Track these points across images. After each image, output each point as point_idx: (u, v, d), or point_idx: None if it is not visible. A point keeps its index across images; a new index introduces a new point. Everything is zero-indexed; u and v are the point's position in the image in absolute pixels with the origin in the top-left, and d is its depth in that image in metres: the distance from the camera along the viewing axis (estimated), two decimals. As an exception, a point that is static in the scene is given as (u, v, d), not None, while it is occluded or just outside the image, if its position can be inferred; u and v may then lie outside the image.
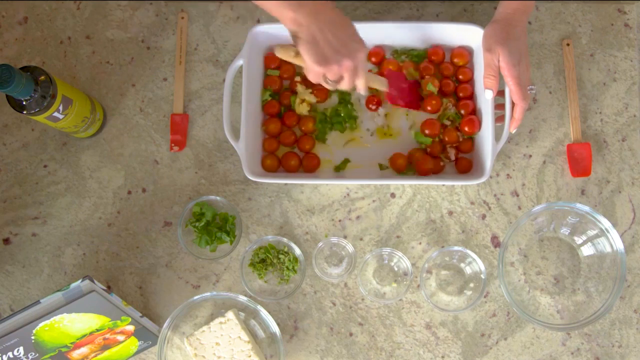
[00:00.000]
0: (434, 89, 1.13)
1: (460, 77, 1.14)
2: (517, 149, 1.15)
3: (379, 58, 1.16)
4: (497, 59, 1.01)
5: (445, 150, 1.12)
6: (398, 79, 1.12)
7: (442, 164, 1.12)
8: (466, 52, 1.14)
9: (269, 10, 0.93)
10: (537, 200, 1.14)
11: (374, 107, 1.14)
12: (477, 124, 1.11)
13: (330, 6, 0.92)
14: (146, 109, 1.18)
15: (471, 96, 1.14)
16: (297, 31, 0.91)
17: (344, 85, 0.98)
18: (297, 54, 0.97)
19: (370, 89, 1.12)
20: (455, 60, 1.14)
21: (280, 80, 1.16)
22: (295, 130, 1.15)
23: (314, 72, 0.94)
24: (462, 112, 1.12)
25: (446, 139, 1.12)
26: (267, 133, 1.15)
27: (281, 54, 1.00)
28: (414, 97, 1.13)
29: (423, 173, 1.11)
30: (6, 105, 1.17)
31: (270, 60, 1.16)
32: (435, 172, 1.12)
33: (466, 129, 1.11)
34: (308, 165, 1.13)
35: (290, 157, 1.13)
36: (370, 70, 1.14)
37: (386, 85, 1.10)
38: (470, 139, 1.12)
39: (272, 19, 1.18)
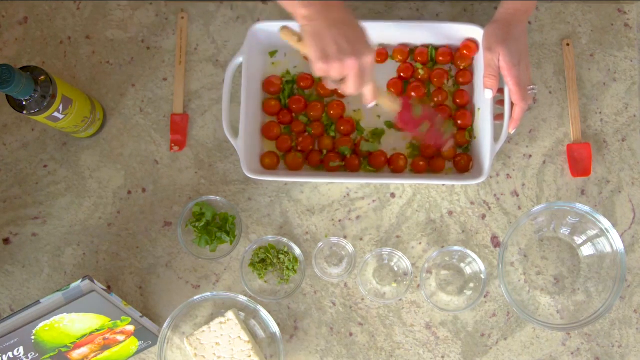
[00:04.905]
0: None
1: (460, 79, 1.14)
2: (517, 149, 1.15)
3: (382, 58, 1.16)
4: (497, 58, 1.01)
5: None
6: (408, 106, 1.06)
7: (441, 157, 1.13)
8: (473, 45, 1.12)
9: (284, 6, 0.94)
10: (537, 200, 1.14)
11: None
12: (469, 116, 1.12)
13: (340, 6, 0.92)
14: (146, 109, 1.18)
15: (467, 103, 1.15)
16: (305, 25, 0.92)
17: (349, 88, 0.94)
18: (300, 40, 0.95)
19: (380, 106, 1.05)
20: (458, 63, 1.14)
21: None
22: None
23: (317, 67, 0.93)
24: (460, 122, 1.13)
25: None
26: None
27: (285, 35, 0.96)
28: (430, 134, 1.09)
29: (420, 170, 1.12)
30: (6, 105, 1.17)
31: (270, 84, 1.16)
32: (433, 169, 1.12)
33: (459, 121, 1.12)
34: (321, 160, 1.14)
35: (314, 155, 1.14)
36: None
37: (399, 106, 1.04)
38: (464, 131, 1.13)
39: (272, 18, 1.19)
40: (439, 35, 1.13)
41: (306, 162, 1.14)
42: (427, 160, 1.13)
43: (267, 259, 1.12)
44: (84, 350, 1.04)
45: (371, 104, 0.99)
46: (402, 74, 1.15)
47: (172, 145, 1.17)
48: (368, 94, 0.97)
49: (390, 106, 1.04)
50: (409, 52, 1.15)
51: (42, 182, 1.16)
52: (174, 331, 1.09)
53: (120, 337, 1.06)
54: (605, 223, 1.04)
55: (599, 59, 1.17)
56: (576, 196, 1.14)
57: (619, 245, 1.04)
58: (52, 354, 1.02)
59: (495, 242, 1.13)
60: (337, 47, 0.91)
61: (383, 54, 1.15)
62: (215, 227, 1.13)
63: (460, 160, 1.12)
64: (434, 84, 1.15)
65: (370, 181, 1.12)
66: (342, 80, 0.95)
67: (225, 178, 1.16)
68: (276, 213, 1.14)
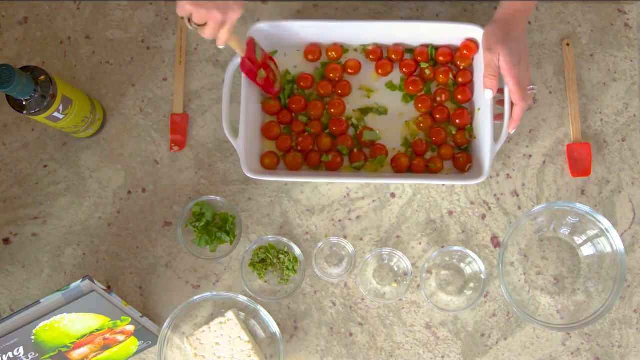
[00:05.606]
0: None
1: (460, 80, 1.15)
2: (517, 149, 1.15)
3: (376, 56, 1.16)
4: (497, 58, 1.01)
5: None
6: (253, 51, 1.09)
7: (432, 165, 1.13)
8: (473, 45, 1.12)
9: None
10: (537, 200, 1.14)
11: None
12: (467, 115, 1.12)
13: None
14: (146, 109, 1.18)
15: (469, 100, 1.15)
16: None
17: (205, 33, 0.97)
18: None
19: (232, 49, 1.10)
20: (458, 63, 1.14)
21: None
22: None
23: (183, 7, 0.94)
24: (458, 121, 1.13)
25: (434, 139, 1.13)
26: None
27: None
28: (266, 81, 1.12)
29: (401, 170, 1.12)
30: (6, 105, 1.17)
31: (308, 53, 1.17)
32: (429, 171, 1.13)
33: (457, 121, 1.13)
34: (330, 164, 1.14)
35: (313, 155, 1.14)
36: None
37: (243, 51, 1.07)
38: (463, 130, 1.13)
39: (272, 18, 1.19)
40: (439, 35, 1.13)
41: (305, 163, 1.14)
42: (424, 159, 1.13)
43: (267, 259, 1.12)
44: (84, 350, 1.04)
45: (221, 46, 1.01)
46: (404, 70, 1.15)
47: (172, 145, 1.17)
48: (221, 38, 0.99)
49: (238, 49, 1.06)
50: (403, 51, 1.15)
51: (42, 182, 1.16)
52: (174, 331, 1.09)
53: (120, 337, 1.06)
54: (605, 223, 1.04)
55: (599, 59, 1.17)
56: (576, 196, 1.14)
57: (619, 245, 1.04)
58: (52, 354, 1.02)
59: (495, 242, 1.13)
60: None
61: (378, 52, 1.16)
62: (215, 227, 1.13)
63: (460, 157, 1.12)
64: (440, 82, 1.15)
65: (370, 181, 1.12)
66: (202, 24, 0.96)
67: (225, 178, 1.16)
68: (276, 213, 1.14)
